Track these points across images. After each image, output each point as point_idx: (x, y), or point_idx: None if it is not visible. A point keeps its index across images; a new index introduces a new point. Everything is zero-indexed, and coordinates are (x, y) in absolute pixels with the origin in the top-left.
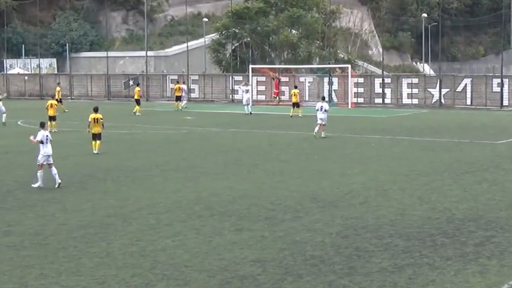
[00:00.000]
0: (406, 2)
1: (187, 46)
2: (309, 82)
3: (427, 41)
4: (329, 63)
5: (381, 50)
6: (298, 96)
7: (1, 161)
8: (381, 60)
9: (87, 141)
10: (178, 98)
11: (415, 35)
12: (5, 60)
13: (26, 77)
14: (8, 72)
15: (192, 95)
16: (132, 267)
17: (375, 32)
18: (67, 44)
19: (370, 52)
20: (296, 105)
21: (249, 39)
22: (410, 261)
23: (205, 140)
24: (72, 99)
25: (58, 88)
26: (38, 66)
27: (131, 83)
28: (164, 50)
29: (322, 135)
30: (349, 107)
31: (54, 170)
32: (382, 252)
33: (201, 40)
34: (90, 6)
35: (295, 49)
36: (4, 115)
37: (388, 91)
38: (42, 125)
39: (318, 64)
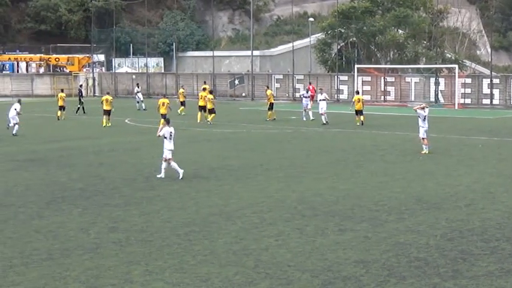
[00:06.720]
0: None
1: (292, 46)
2: (415, 82)
3: None
4: (436, 63)
5: (489, 50)
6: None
7: (108, 158)
8: (490, 60)
9: (193, 140)
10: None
11: None
12: (113, 59)
13: (134, 76)
14: (116, 71)
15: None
16: (235, 265)
17: (483, 31)
18: (174, 44)
19: (478, 52)
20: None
21: (355, 39)
22: None
23: (309, 140)
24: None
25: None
26: (145, 65)
27: (236, 82)
28: (270, 50)
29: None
30: (456, 107)
31: (174, 164)
32: (489, 255)
33: (307, 40)
34: (197, 6)
35: (401, 49)
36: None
37: (496, 92)
38: (168, 122)
39: (424, 64)
